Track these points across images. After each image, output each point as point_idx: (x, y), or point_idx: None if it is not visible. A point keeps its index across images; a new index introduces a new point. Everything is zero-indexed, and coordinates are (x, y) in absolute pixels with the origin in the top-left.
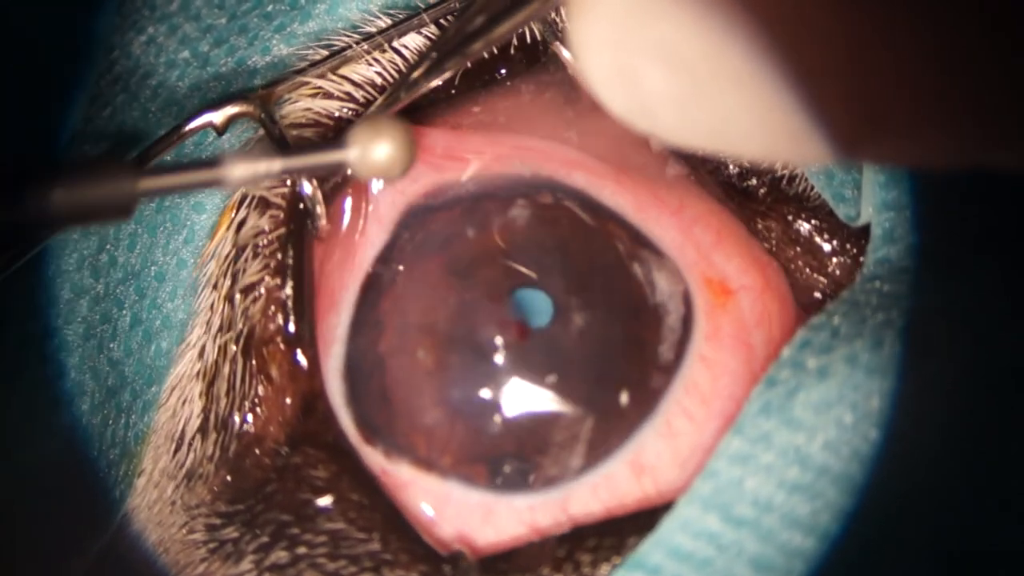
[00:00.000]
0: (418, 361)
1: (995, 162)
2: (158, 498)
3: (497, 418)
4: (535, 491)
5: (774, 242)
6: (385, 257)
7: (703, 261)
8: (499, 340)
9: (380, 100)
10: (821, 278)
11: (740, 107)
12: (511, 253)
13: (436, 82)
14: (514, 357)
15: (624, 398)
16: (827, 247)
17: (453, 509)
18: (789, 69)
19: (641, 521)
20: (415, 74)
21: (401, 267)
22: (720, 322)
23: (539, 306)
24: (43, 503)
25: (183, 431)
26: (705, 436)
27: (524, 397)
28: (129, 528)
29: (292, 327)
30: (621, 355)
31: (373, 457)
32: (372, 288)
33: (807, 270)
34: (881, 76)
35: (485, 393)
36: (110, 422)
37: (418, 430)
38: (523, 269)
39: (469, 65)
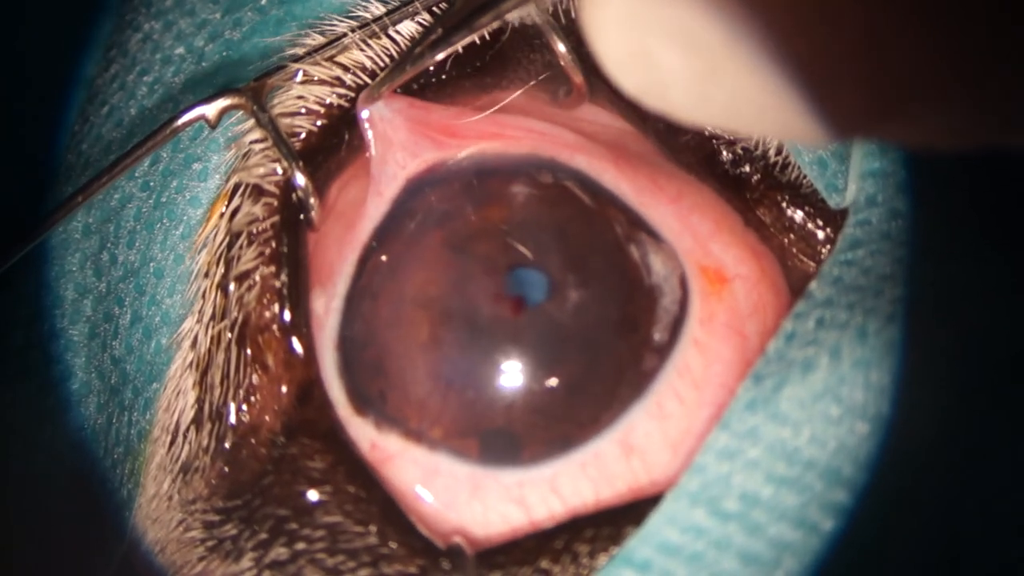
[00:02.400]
0: (412, 333)
1: (1005, 142)
2: (155, 494)
3: (489, 392)
4: (524, 466)
5: (769, 229)
6: (383, 230)
7: (699, 249)
8: (494, 315)
9: (383, 74)
10: (815, 265)
11: (754, 87)
12: (509, 230)
13: (441, 56)
14: (508, 332)
15: (616, 377)
16: (821, 234)
17: (441, 482)
18: (803, 49)
19: (638, 511)
20: (419, 48)
21: (399, 240)
22: (715, 310)
23: (536, 283)
24: (55, 507)
25: (177, 423)
26: (695, 421)
27: (517, 372)
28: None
29: (288, 315)
30: (615, 334)
31: (363, 429)
32: (369, 260)
33: (802, 257)
34: (893, 57)
35: (478, 367)
36: (114, 420)
37: (410, 402)
38: (520, 246)
39: (477, 40)
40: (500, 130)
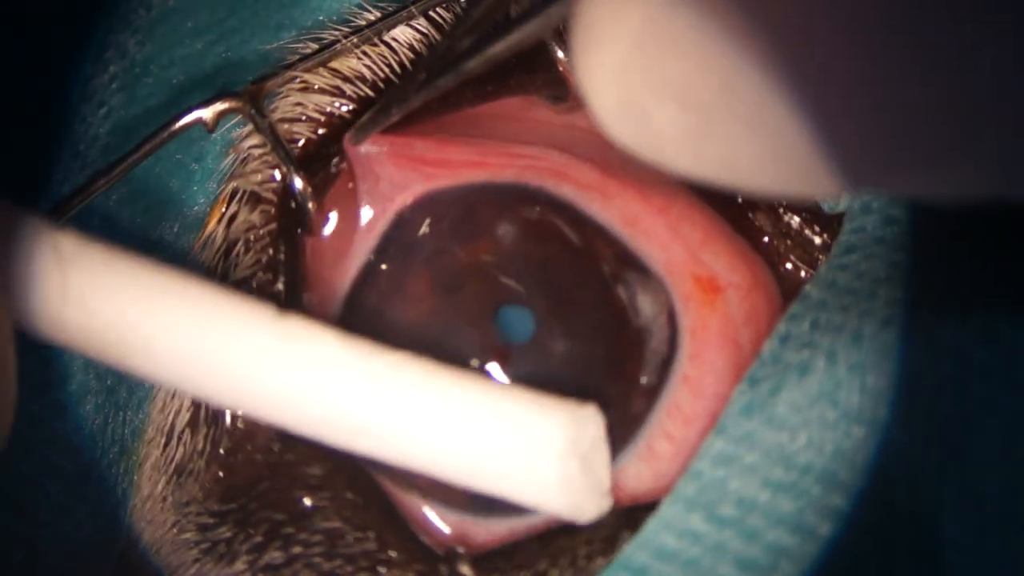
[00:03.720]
0: None
1: (1004, 195)
2: (149, 495)
3: None
4: (512, 515)
5: (767, 236)
6: (373, 265)
7: (691, 259)
8: (480, 358)
9: (366, 117)
10: (812, 270)
11: (751, 143)
12: (496, 269)
13: (423, 99)
14: (495, 375)
15: (605, 423)
16: (817, 240)
17: (426, 536)
18: (802, 105)
19: (635, 516)
20: (406, 92)
21: (388, 276)
22: (708, 320)
23: (523, 324)
24: (53, 507)
25: (172, 424)
26: (686, 450)
27: None
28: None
29: None
30: (603, 380)
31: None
32: (359, 294)
33: (799, 263)
34: (890, 115)
35: None
36: (109, 420)
37: None
38: (509, 284)
39: None
40: (483, 158)
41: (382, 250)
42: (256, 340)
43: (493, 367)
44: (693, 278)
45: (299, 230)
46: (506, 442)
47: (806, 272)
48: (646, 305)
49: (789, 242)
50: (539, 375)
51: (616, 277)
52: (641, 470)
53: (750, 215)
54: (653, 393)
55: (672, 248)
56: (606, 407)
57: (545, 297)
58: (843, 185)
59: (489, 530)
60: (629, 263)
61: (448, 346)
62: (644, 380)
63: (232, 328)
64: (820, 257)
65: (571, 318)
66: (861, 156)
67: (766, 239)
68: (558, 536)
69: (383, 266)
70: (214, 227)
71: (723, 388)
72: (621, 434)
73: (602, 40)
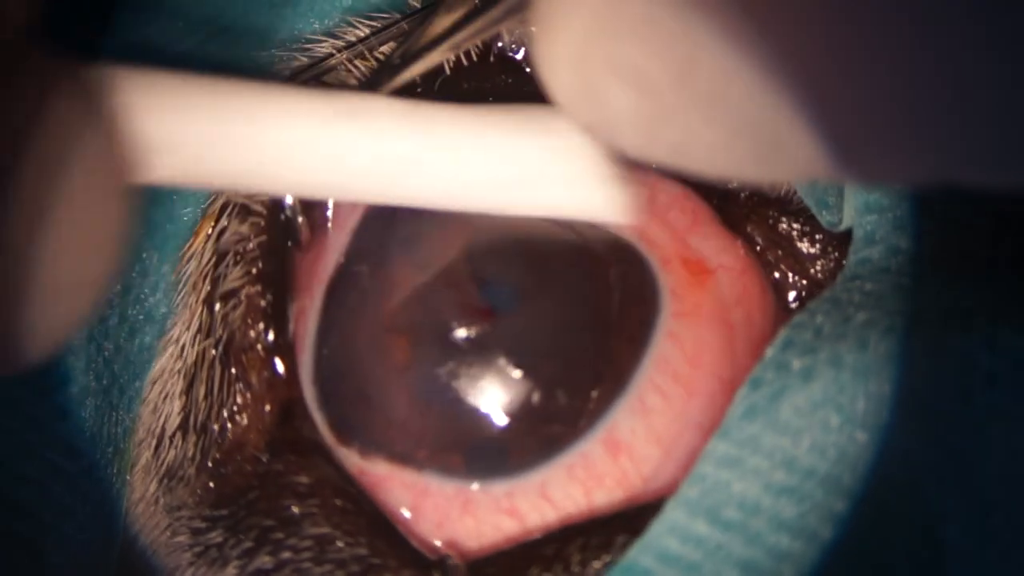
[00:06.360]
0: (388, 358)
1: (960, 179)
2: (141, 497)
3: (469, 407)
4: (512, 476)
5: (758, 245)
6: (348, 261)
7: (679, 244)
8: (465, 330)
9: None
10: (804, 281)
11: (704, 127)
12: (473, 242)
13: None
14: (481, 344)
15: (593, 377)
16: (809, 250)
17: (431, 502)
18: (756, 90)
19: (628, 518)
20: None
21: (365, 268)
22: (699, 300)
23: (503, 292)
24: (54, 506)
25: (163, 427)
26: (683, 413)
27: (494, 383)
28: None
29: (271, 335)
30: (588, 335)
31: (350, 458)
32: (337, 292)
33: (790, 273)
34: (845, 102)
35: (455, 383)
36: (105, 420)
37: (392, 426)
38: (486, 256)
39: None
40: None
41: (356, 245)
42: (324, 121)
43: (479, 335)
44: (682, 261)
45: (288, 243)
46: (538, 156)
47: (799, 282)
48: (625, 262)
49: (780, 252)
50: (526, 337)
51: (601, 257)
52: (634, 425)
53: (741, 224)
54: (638, 347)
55: (660, 235)
56: (593, 360)
57: (524, 263)
58: (797, 172)
59: (472, 523)
60: (616, 246)
61: (431, 323)
62: (629, 335)
63: (298, 115)
64: (810, 266)
65: (552, 279)
66: (821, 141)
67: (759, 248)
68: (550, 542)
69: (359, 259)
70: (203, 240)
71: (719, 368)
72: (611, 388)
73: (559, 24)
